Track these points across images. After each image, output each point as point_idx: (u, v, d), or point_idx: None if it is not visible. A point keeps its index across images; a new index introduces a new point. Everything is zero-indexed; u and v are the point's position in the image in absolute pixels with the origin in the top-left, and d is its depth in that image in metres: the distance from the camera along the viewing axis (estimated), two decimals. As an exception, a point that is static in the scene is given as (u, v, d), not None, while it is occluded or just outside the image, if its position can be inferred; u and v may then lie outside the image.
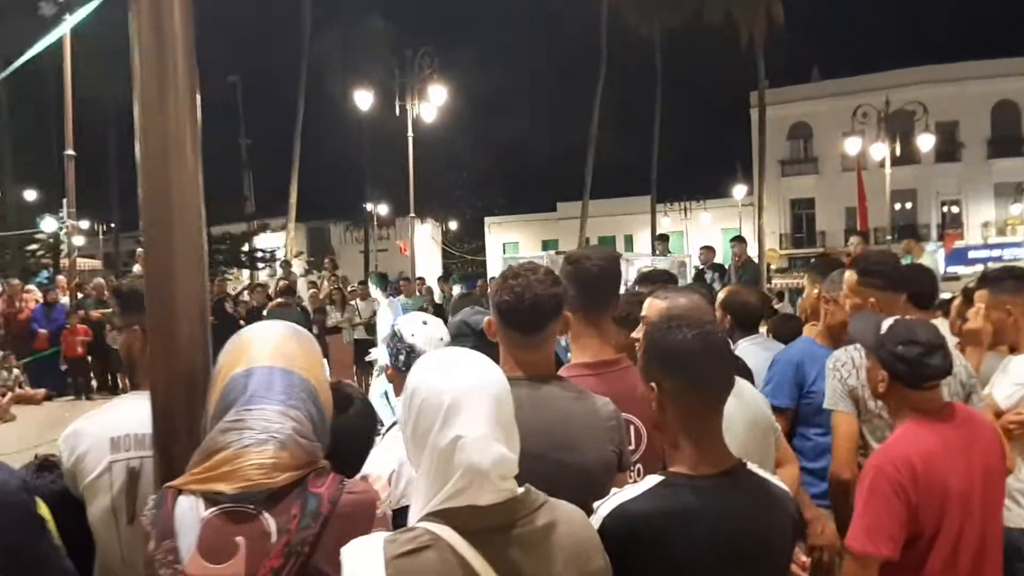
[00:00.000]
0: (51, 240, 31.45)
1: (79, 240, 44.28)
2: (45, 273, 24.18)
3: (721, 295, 4.29)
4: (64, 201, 14.69)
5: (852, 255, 6.02)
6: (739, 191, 38.73)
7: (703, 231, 37.45)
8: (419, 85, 23.01)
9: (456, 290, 14.22)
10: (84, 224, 43.76)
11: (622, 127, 34.91)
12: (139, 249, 19.64)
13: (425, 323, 2.81)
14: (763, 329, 4.59)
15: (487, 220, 44.90)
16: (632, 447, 2.31)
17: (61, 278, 15.66)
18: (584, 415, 2.09)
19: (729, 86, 36.49)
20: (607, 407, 2.14)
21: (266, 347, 1.70)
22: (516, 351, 2.12)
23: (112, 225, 42.46)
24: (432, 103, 23.29)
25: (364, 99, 23.95)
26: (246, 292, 16.23)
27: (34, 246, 31.84)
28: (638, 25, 31.81)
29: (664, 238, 14.92)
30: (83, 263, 37.11)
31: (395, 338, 2.74)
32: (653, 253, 16.70)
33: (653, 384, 1.85)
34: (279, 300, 10.23)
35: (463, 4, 42.31)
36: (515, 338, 2.11)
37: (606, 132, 32.94)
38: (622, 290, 2.80)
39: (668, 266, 14.09)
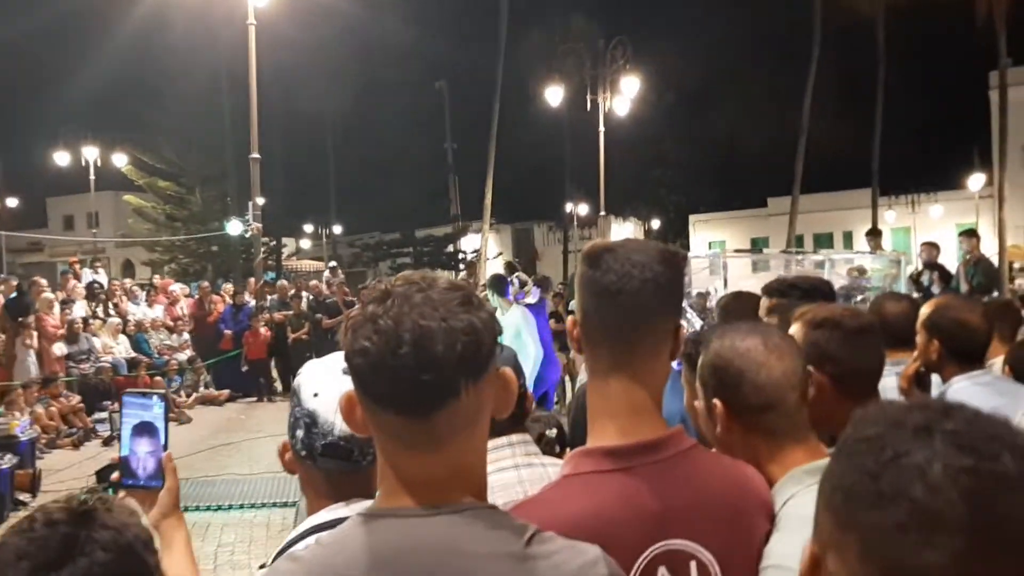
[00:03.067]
0: (272, 243, 33.65)
1: (305, 243, 47.48)
2: (271, 274, 25.73)
3: (925, 310, 2.83)
4: (250, 204, 15.16)
5: None
6: (976, 181, 34.76)
7: (933, 227, 33.84)
8: (611, 77, 22.21)
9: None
10: (308, 228, 46.99)
11: (840, 114, 32.12)
12: (332, 263, 20.27)
13: (347, 372, 1.55)
14: (996, 361, 3.27)
15: (692, 218, 43.12)
16: None
17: (251, 280, 16.24)
18: None
19: (963, 65, 32.79)
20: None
21: None
22: (397, 454, 1.11)
23: (338, 229, 44.87)
24: (625, 95, 22.42)
25: (555, 95, 23.44)
26: None
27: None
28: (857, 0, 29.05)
29: (876, 232, 13.07)
30: (309, 265, 39.68)
31: (292, 395, 1.60)
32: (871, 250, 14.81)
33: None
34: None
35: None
36: (392, 427, 1.10)
37: (821, 120, 30.42)
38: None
39: (882, 266, 12.37)
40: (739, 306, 3.27)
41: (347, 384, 1.50)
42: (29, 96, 66.25)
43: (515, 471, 2.00)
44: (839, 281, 12.82)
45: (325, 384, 1.50)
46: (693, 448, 1.44)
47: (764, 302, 2.85)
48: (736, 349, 1.57)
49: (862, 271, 12.01)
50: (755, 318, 2.73)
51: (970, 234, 11.17)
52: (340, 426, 1.44)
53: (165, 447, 1.68)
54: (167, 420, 1.70)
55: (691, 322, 8.49)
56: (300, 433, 1.51)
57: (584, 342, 1.46)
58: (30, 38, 43.68)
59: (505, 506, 1.23)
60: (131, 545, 1.26)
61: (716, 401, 1.56)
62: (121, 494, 1.67)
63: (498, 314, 8.35)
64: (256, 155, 15.19)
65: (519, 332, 7.79)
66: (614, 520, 1.31)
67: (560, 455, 2.39)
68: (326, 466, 1.47)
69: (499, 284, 8.41)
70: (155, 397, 1.70)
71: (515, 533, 1.09)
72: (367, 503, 1.40)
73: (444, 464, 1.10)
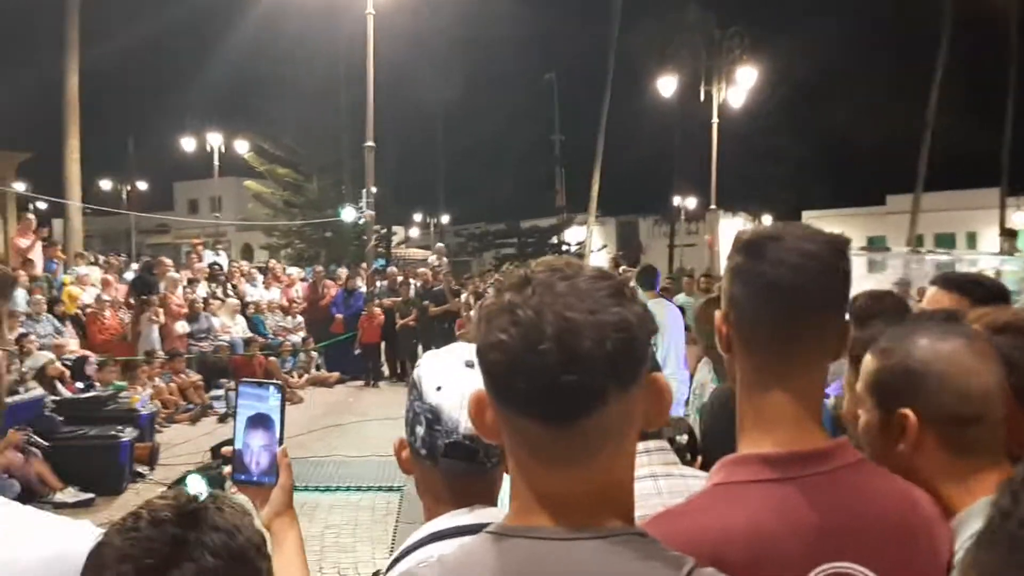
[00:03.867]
0: (384, 230, 34.32)
1: (414, 232, 48.26)
2: (381, 261, 26.28)
3: None
4: (364, 192, 15.44)
5: None
6: (1118, 180, 32.34)
7: (1068, 228, 31.74)
8: (727, 67, 21.71)
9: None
10: (417, 217, 47.82)
11: (967, 108, 30.45)
12: (439, 244, 20.55)
13: (470, 365, 1.39)
14: None
15: (804, 214, 41.59)
16: None
17: (364, 266, 16.57)
18: None
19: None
20: None
21: None
22: (534, 466, 0.98)
23: (445, 219, 45.50)
24: (740, 86, 21.88)
25: (668, 85, 23.06)
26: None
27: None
28: (989, -12, 27.51)
29: (1012, 233, 12.27)
30: (416, 253, 40.40)
31: (411, 389, 1.46)
32: (1000, 252, 13.94)
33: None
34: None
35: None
36: (528, 434, 0.97)
37: (947, 115, 28.93)
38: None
39: (1018, 267, 11.61)
40: (881, 308, 3.05)
41: (473, 378, 1.32)
42: (159, 86, 69.57)
43: (652, 480, 1.90)
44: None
45: (449, 377, 1.38)
46: (860, 462, 1.28)
47: (936, 294, 2.55)
48: (937, 351, 1.34)
49: (998, 274, 11.33)
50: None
51: (1010, 234, 10.52)
52: (466, 424, 1.31)
53: (280, 441, 1.59)
54: (283, 412, 1.60)
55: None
56: (420, 430, 1.38)
57: (736, 342, 1.32)
58: (161, 31, 45.79)
59: (644, 518, 1.11)
60: (243, 550, 1.16)
61: (907, 411, 1.35)
62: (232, 489, 1.61)
63: None
64: (371, 143, 15.47)
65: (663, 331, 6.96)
66: (772, 535, 1.17)
67: (691, 463, 2.28)
68: (448, 467, 1.36)
69: (649, 276, 7.49)
70: (271, 388, 1.60)
71: (670, 565, 0.95)
72: (491, 511, 1.36)
73: (588, 480, 0.95)
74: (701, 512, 1.23)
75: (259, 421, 1.58)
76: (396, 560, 1.35)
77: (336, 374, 14.12)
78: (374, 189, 15.82)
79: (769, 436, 1.27)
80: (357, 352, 14.28)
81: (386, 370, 14.98)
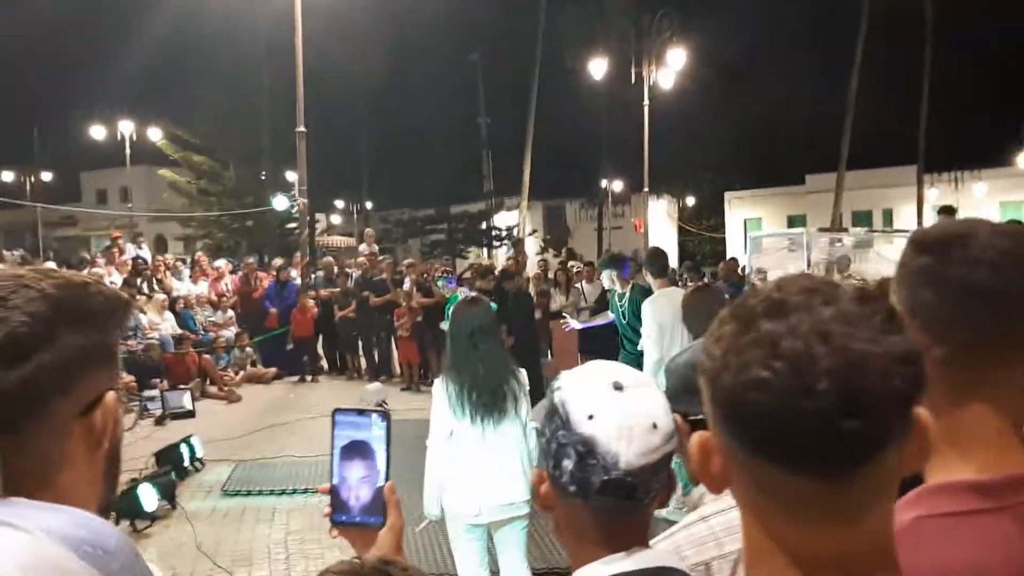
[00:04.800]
0: (308, 218, 33.47)
1: (336, 219, 47.40)
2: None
3: None
4: (296, 179, 14.87)
5: None
6: (1024, 158, 33.90)
7: (977, 205, 33.02)
8: (657, 50, 21.74)
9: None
10: (340, 204, 46.87)
11: (884, 90, 31.31)
12: (368, 229, 19.99)
13: (619, 388, 1.25)
14: None
15: (727, 195, 42.43)
16: None
17: (297, 256, 16.00)
18: None
19: (1013, 39, 31.66)
20: None
21: None
22: (790, 524, 0.82)
23: (368, 205, 44.67)
24: (671, 67, 21.96)
25: (599, 68, 22.99)
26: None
27: (292, 224, 33.64)
28: (905, -28, 28.35)
29: (950, 210, 12.44)
30: (340, 241, 39.56)
31: (551, 417, 1.27)
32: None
33: None
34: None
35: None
36: (788, 489, 0.80)
37: (866, 96, 29.72)
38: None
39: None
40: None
41: (626, 404, 1.25)
42: (65, 71, 66.64)
43: (703, 522, 1.69)
44: (887, 263, 12.38)
45: (601, 404, 1.23)
46: None
47: None
48: None
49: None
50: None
51: (948, 211, 10.88)
52: (627, 458, 1.19)
53: (387, 476, 1.38)
54: (389, 443, 1.38)
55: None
56: (568, 464, 1.22)
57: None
58: (67, 14, 43.62)
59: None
60: None
61: None
62: (333, 533, 1.40)
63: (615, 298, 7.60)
64: (302, 128, 14.90)
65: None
66: (998, 575, 1.01)
67: None
68: (601, 504, 1.21)
69: (660, 261, 6.85)
70: (374, 416, 1.39)
71: None
72: (648, 554, 1.25)
73: (861, 540, 0.81)
74: (912, 552, 1.00)
75: (357, 452, 1.38)
76: None
77: (273, 370, 13.57)
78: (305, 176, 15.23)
79: (971, 458, 1.09)
80: (290, 347, 13.75)
81: (325, 364, 14.50)
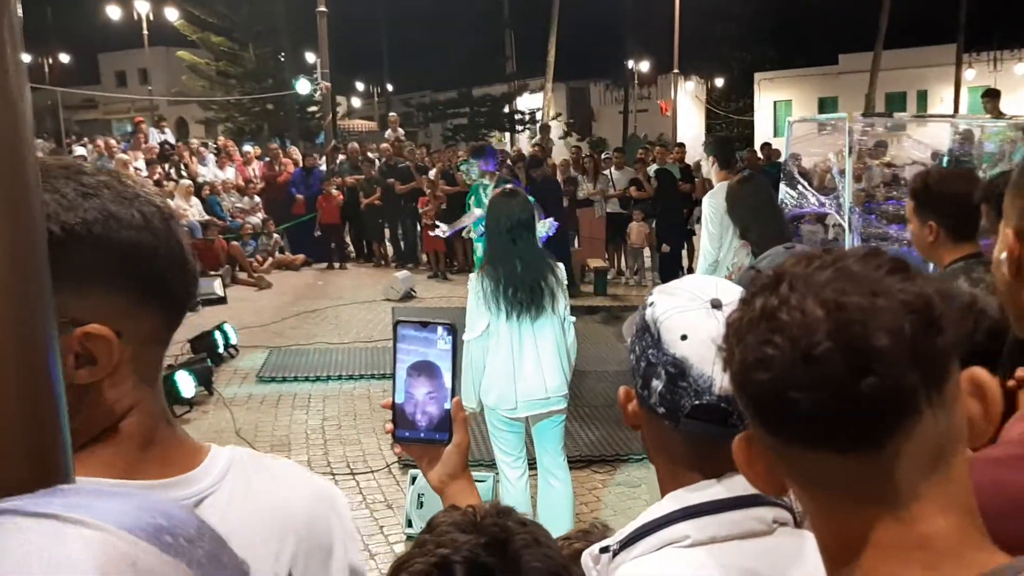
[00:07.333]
0: (330, 102, 32.86)
1: (356, 102, 46.54)
2: (323, 135, 25.28)
3: None
4: (318, 62, 14.55)
5: None
6: (1070, 36, 32.34)
7: (1016, 86, 31.82)
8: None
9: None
10: (360, 86, 46.02)
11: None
12: (392, 114, 19.62)
13: (717, 306, 1.17)
14: None
15: (756, 76, 41.17)
16: None
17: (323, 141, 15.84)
18: None
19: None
20: None
21: None
22: (835, 510, 0.78)
23: (390, 87, 43.80)
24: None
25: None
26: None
27: (314, 108, 33.05)
28: None
29: (994, 94, 11.83)
30: (361, 124, 39.02)
31: (642, 334, 1.21)
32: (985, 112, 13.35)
33: None
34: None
35: None
36: (818, 469, 0.77)
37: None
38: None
39: (998, 134, 11.31)
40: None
41: (723, 324, 1.18)
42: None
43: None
44: (934, 147, 11.98)
45: (696, 323, 1.13)
46: None
47: None
48: None
49: (968, 136, 11.12)
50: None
51: (992, 95, 10.51)
52: (720, 383, 1.10)
53: (453, 392, 1.35)
54: (456, 357, 1.34)
55: (805, 197, 7.88)
56: (658, 384, 1.15)
57: None
58: None
59: None
60: None
61: None
62: (396, 448, 1.41)
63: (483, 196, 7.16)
64: (323, 8, 14.48)
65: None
66: None
67: None
68: (691, 428, 1.15)
69: (728, 150, 6.16)
70: (440, 329, 1.34)
71: None
72: (742, 481, 1.11)
73: (928, 520, 0.73)
74: None
75: (423, 367, 1.34)
76: (637, 535, 1.13)
77: (302, 256, 13.64)
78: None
79: None
80: (317, 234, 13.77)
81: (353, 251, 14.57)
